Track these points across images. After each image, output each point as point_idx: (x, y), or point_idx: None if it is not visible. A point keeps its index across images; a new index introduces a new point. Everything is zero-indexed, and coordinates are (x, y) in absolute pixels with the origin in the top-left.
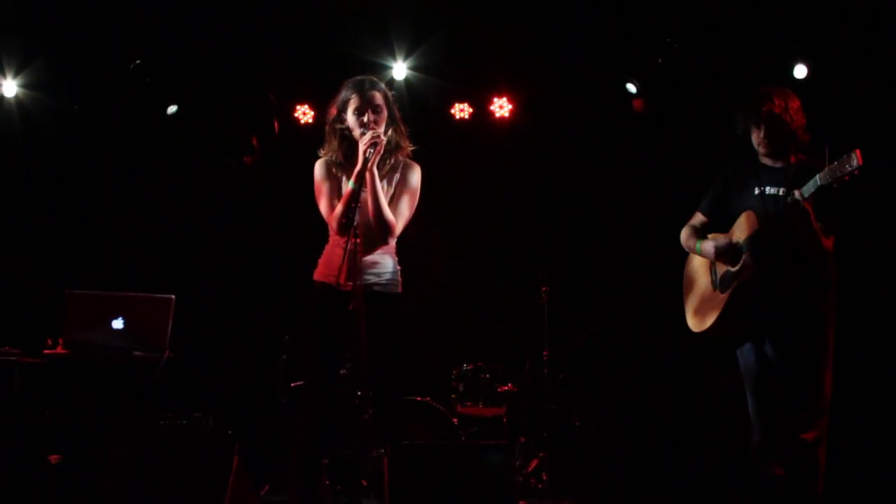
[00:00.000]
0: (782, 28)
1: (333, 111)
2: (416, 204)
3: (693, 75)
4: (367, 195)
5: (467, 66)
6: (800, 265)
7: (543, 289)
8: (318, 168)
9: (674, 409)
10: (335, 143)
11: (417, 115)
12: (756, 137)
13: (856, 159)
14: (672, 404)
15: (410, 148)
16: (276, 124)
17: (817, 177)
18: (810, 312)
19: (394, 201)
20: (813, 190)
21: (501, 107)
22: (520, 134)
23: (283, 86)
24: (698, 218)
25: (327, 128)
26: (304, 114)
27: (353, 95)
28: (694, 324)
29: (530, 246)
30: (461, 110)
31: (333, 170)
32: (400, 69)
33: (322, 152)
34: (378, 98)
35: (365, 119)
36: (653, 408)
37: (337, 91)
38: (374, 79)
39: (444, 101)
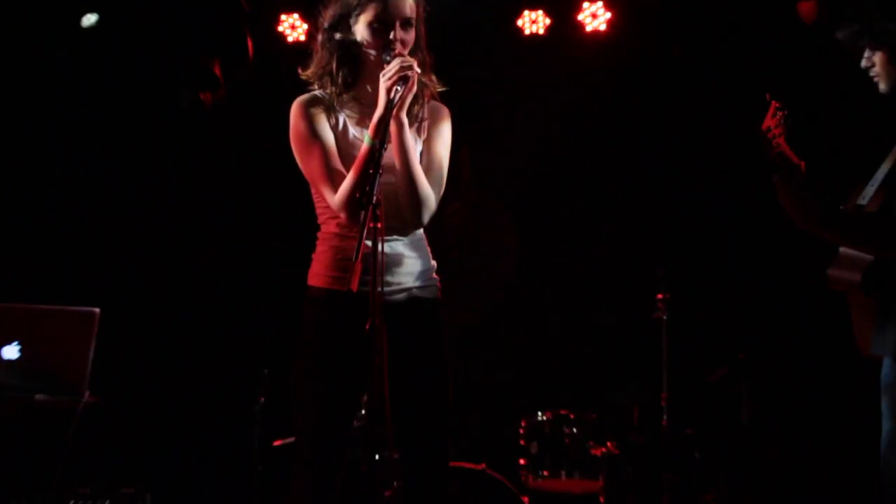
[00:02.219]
0: None
1: (331, 13)
2: (448, 165)
3: None
4: (392, 156)
5: None
6: None
7: (660, 296)
8: (300, 111)
9: (855, 480)
10: (331, 63)
11: (466, 29)
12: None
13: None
14: (853, 473)
15: (438, 88)
16: (249, 44)
17: None
18: None
19: (426, 161)
20: None
21: (595, 15)
22: (622, 57)
23: None
24: None
25: (319, 38)
26: (293, 27)
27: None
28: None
29: (638, 228)
30: (533, 21)
31: (328, 113)
32: None
33: (308, 79)
34: (410, 7)
35: (391, 38)
36: (827, 479)
37: None
38: None
39: (508, 7)
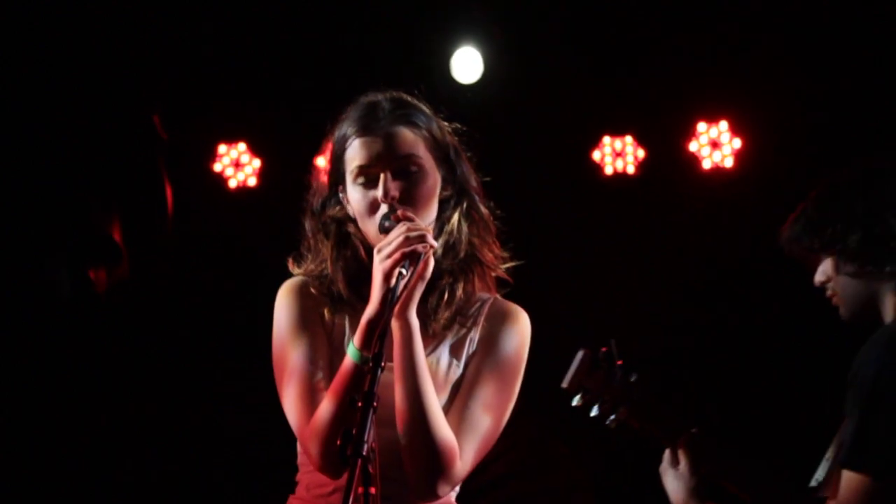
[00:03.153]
0: None
1: (319, 182)
2: (511, 403)
3: None
4: (394, 380)
5: (627, 56)
6: None
7: None
8: (287, 301)
9: None
10: (328, 246)
11: (511, 166)
12: None
13: None
14: None
15: (502, 262)
16: (168, 193)
17: None
18: None
19: (461, 399)
20: None
21: (716, 144)
22: (760, 211)
23: (185, 100)
24: None
25: (308, 225)
26: (237, 164)
27: (354, 139)
28: None
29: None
30: (618, 154)
31: (322, 309)
32: (467, 62)
33: (297, 267)
34: (405, 141)
35: (380, 193)
36: None
37: (333, 122)
38: (402, 95)
39: (578, 132)
